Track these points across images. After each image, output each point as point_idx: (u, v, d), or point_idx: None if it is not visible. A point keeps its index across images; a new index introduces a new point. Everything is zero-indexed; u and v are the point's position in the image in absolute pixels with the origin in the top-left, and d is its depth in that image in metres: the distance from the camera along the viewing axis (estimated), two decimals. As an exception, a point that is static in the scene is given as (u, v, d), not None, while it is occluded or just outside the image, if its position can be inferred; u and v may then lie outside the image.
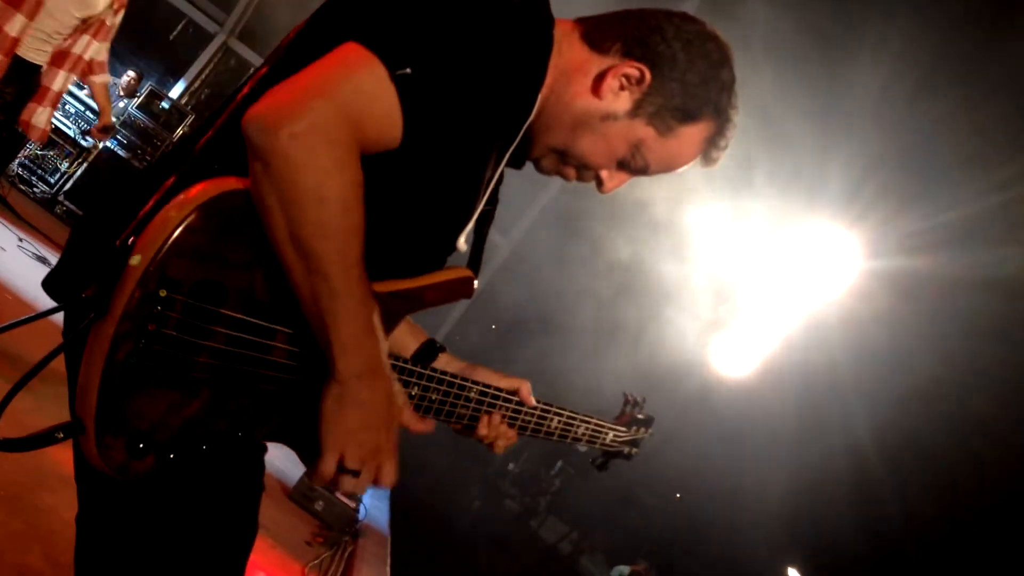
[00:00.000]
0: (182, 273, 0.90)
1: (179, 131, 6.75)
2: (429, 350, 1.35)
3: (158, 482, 1.01)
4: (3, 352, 3.08)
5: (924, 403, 6.14)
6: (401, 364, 1.21)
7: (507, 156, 1.18)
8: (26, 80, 3.65)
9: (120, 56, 7.48)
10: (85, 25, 3.73)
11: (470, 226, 1.20)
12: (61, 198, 6.51)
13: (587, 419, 1.57)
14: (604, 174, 1.24)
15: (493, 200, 1.28)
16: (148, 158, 6.57)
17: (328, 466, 1.03)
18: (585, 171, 1.24)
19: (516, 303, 7.55)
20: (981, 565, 6.51)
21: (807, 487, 6.69)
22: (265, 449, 1.18)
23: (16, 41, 3.38)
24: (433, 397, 1.27)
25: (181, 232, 0.89)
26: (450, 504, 6.74)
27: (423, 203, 1.10)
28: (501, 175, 1.26)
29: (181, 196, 0.91)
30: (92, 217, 1.10)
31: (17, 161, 6.31)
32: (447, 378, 1.28)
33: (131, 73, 7.01)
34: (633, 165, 1.22)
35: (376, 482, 1.06)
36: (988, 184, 5.52)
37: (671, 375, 6.41)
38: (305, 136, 0.89)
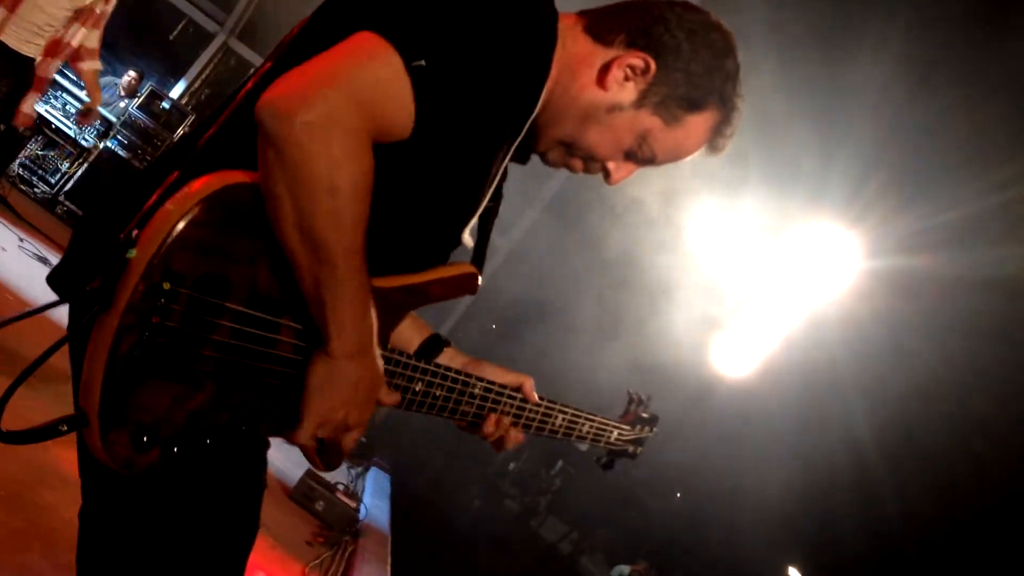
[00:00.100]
0: (186, 266, 0.90)
1: (179, 131, 6.75)
2: (434, 344, 1.36)
3: (162, 476, 1.01)
4: (4, 349, 3.08)
5: (924, 402, 6.14)
6: (406, 360, 1.21)
7: (512, 150, 1.18)
8: (21, 74, 3.64)
9: (120, 56, 7.48)
10: (77, 14, 3.73)
11: (474, 221, 1.20)
12: (62, 198, 6.50)
13: (591, 417, 1.57)
14: (611, 165, 1.24)
15: (497, 196, 1.29)
16: (148, 158, 6.56)
17: (306, 435, 1.05)
18: (592, 163, 1.24)
19: (516, 302, 7.55)
20: (981, 564, 6.51)
21: (807, 486, 6.69)
22: (268, 445, 1.18)
23: None
24: (437, 393, 1.27)
25: (185, 225, 0.89)
26: (450, 504, 6.74)
27: (430, 196, 1.10)
28: (505, 171, 1.26)
29: (185, 189, 0.91)
30: (96, 212, 1.10)
31: (17, 161, 6.31)
32: (451, 374, 1.28)
33: (131, 73, 7.02)
34: (640, 155, 1.22)
35: (340, 447, 1.09)
36: (988, 184, 5.52)
37: (671, 375, 6.40)
38: (320, 125, 0.88)
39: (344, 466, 5.15)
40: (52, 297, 1.06)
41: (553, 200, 7.77)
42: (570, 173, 1.26)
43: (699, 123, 1.20)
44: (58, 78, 6.24)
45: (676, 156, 1.25)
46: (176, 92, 7.54)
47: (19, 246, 4.96)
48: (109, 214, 1.06)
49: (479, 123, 1.05)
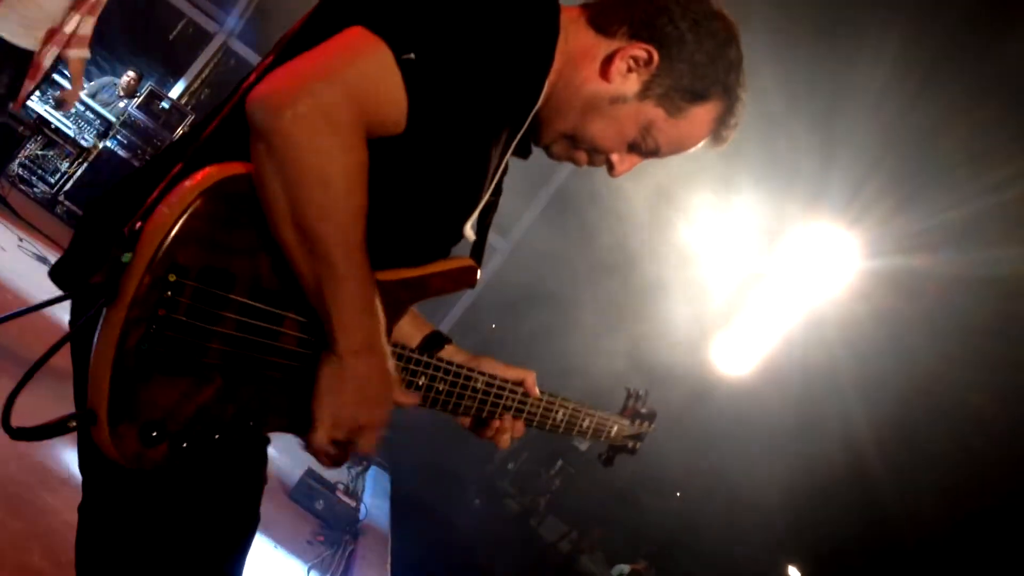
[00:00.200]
0: (190, 258, 0.90)
1: (179, 131, 6.74)
2: (435, 341, 1.36)
3: (165, 470, 1.01)
4: (3, 349, 3.07)
5: (923, 401, 6.15)
6: (407, 354, 1.21)
7: (514, 144, 1.18)
8: (21, 68, 3.64)
9: (120, 56, 7.48)
10: (76, 3, 3.73)
11: (475, 215, 1.20)
12: (61, 198, 6.50)
13: (592, 412, 1.57)
14: (615, 157, 1.24)
15: (497, 191, 1.29)
16: (148, 158, 6.56)
17: (321, 438, 1.04)
18: (596, 155, 1.24)
19: (516, 301, 7.55)
20: (981, 562, 6.51)
21: (807, 485, 6.69)
22: (268, 441, 1.18)
23: None
24: (440, 387, 1.27)
25: (188, 217, 0.89)
26: (450, 504, 6.73)
27: (429, 190, 1.10)
28: (506, 165, 1.26)
29: (186, 182, 0.91)
30: (99, 206, 1.10)
31: (17, 161, 6.31)
32: (453, 368, 1.28)
33: (131, 73, 7.01)
34: (644, 147, 1.22)
35: (357, 448, 1.08)
36: (986, 184, 5.53)
37: (671, 374, 6.41)
38: (309, 117, 0.88)
39: (344, 465, 5.14)
40: (52, 296, 1.05)
41: (554, 197, 7.77)
42: (572, 171, 1.26)
43: (703, 114, 1.20)
44: (58, 78, 6.24)
45: (680, 148, 1.24)
46: (176, 92, 7.54)
47: (18, 246, 4.96)
48: (113, 207, 1.06)
49: (473, 116, 1.05)
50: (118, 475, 1.03)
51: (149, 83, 6.88)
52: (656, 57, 1.14)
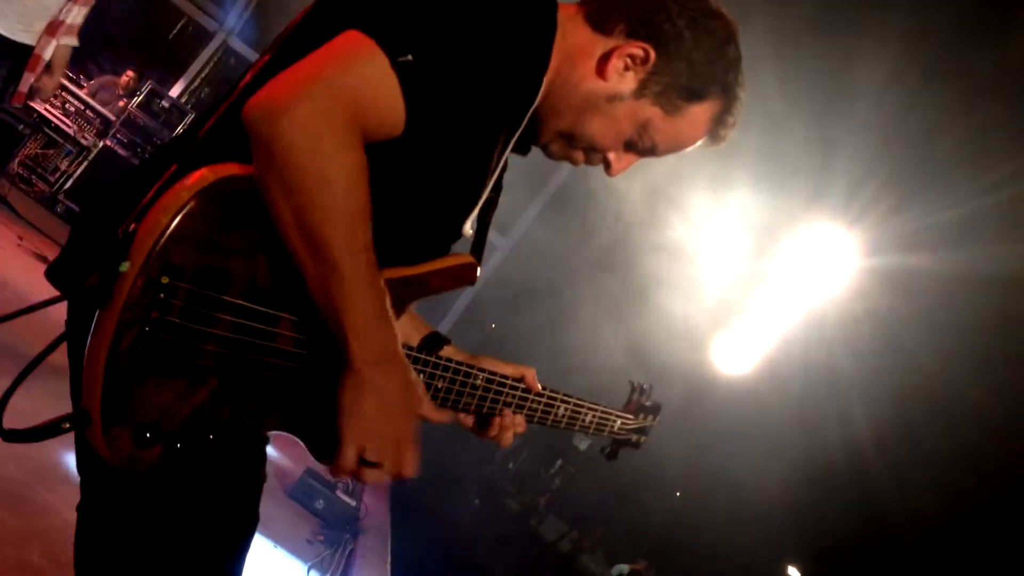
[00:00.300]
0: (184, 259, 0.90)
1: (179, 130, 6.75)
2: (434, 341, 1.35)
3: (163, 470, 1.01)
4: (3, 348, 3.07)
5: (923, 399, 6.16)
6: (405, 351, 1.21)
7: (512, 142, 1.18)
8: (19, 62, 3.63)
9: (120, 55, 7.48)
10: None
11: (475, 212, 1.20)
12: (61, 197, 6.50)
13: (594, 407, 1.57)
14: (612, 156, 1.23)
15: (497, 188, 1.28)
16: (147, 157, 6.55)
17: (348, 458, 1.01)
18: (593, 154, 1.24)
19: (516, 300, 7.55)
20: (980, 560, 6.52)
21: (807, 484, 6.70)
22: (267, 439, 1.18)
23: None
24: (439, 385, 1.27)
25: (182, 218, 0.89)
26: (450, 503, 6.73)
27: (428, 190, 1.10)
28: (505, 163, 1.26)
29: (181, 183, 0.91)
30: (95, 206, 1.10)
31: (17, 160, 6.30)
32: (453, 365, 1.28)
33: (131, 72, 7.01)
34: (641, 146, 1.21)
35: (397, 473, 1.04)
36: (985, 183, 5.54)
37: (671, 373, 6.41)
38: (306, 121, 0.88)
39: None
40: (51, 296, 1.05)
41: (554, 196, 7.77)
42: (572, 169, 1.26)
43: (700, 113, 1.19)
44: (57, 78, 6.23)
45: (677, 146, 1.23)
46: (176, 91, 7.54)
47: (18, 244, 4.96)
48: (108, 207, 1.06)
49: (472, 116, 1.04)
50: (115, 475, 1.03)
51: (149, 82, 6.88)
52: (653, 55, 1.14)
